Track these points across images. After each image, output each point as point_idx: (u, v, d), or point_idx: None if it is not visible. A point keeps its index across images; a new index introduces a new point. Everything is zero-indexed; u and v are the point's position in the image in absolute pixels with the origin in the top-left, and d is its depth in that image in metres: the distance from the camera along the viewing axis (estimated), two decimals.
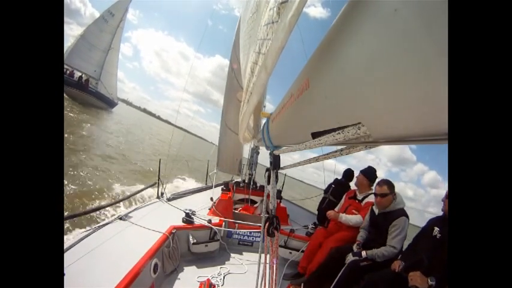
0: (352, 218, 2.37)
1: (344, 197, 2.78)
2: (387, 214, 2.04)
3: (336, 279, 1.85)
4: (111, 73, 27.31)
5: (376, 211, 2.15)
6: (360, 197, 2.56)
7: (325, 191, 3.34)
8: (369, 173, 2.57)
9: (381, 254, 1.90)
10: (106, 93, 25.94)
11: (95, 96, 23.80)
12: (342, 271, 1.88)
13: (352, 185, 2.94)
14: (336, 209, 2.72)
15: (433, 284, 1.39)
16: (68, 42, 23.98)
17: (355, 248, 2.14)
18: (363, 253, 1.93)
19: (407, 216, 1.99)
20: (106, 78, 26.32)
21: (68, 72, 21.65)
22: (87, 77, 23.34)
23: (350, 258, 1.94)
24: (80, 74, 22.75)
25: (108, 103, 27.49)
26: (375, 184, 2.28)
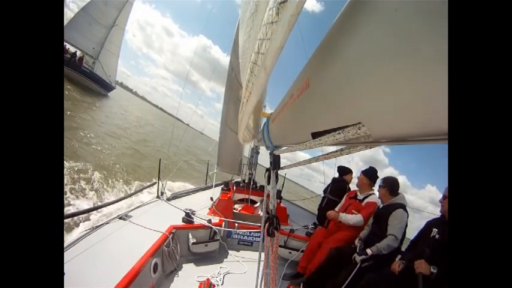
0: (352, 218, 2.37)
1: (345, 197, 2.79)
2: (387, 206, 2.16)
3: (348, 280, 1.84)
4: (112, 53, 23.54)
5: (381, 205, 2.28)
6: (360, 197, 2.56)
7: (324, 191, 3.35)
8: (370, 173, 2.58)
9: (385, 245, 1.92)
10: (103, 75, 22.58)
11: (88, 78, 20.70)
12: (354, 271, 1.86)
13: (353, 186, 2.96)
14: (337, 208, 2.73)
15: (435, 272, 1.52)
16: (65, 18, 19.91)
17: (357, 242, 2.15)
18: (368, 251, 1.92)
19: (405, 210, 2.08)
20: (105, 57, 22.63)
21: None
22: (82, 55, 20.41)
23: (358, 258, 1.92)
24: (74, 50, 19.93)
25: (104, 86, 23.63)
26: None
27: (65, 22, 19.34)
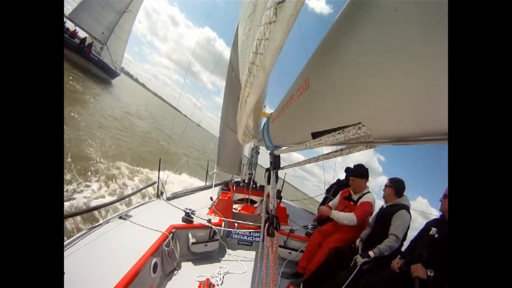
0: (346, 216, 2.30)
1: (339, 195, 2.72)
2: (391, 206, 2.16)
3: (348, 280, 1.83)
4: (121, 39, 22.65)
5: (384, 205, 2.27)
6: (355, 197, 2.51)
7: (327, 191, 3.33)
8: (358, 172, 2.52)
9: (387, 246, 1.91)
10: (109, 61, 21.77)
11: (95, 65, 20.02)
12: (354, 273, 1.85)
13: None
14: (330, 204, 2.71)
15: (432, 276, 1.50)
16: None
17: (358, 243, 2.14)
18: (370, 253, 1.91)
19: (408, 212, 2.08)
20: (113, 43, 21.77)
21: (68, 31, 18.02)
22: (92, 41, 19.58)
23: (360, 260, 1.90)
24: (84, 36, 19.11)
25: (109, 73, 22.79)
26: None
27: (74, 5, 18.87)
